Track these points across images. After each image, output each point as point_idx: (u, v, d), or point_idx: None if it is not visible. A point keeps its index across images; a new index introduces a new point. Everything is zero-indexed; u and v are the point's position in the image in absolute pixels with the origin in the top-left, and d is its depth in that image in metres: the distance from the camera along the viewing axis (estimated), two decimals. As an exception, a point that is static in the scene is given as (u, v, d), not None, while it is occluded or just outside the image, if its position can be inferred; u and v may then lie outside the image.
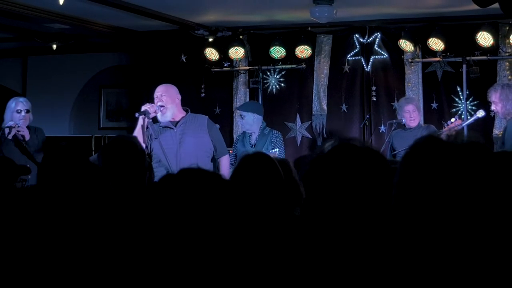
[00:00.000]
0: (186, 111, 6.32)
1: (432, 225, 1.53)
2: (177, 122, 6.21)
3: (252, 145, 7.58)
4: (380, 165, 1.84)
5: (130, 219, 2.65)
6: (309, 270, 1.77)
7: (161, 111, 6.15)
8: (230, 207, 2.11)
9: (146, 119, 6.00)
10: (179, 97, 6.34)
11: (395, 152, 7.48)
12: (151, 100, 6.34)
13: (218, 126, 6.85)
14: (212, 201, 2.09)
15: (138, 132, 6.00)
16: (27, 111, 6.79)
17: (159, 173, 5.62)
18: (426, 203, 1.53)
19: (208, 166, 6.10)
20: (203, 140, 6.17)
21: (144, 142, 5.92)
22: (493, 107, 7.00)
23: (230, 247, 2.02)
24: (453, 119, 7.43)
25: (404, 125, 7.59)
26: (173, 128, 6.17)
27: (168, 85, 6.43)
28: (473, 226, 1.50)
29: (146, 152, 5.99)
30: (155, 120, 6.27)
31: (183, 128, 6.16)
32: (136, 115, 6.08)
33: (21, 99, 6.92)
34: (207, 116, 6.47)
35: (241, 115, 7.73)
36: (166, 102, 6.15)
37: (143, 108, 6.07)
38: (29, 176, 5.39)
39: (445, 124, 7.55)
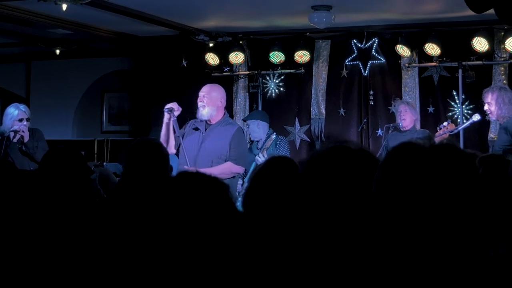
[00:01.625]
0: (224, 113, 6.26)
1: (407, 222, 1.60)
2: (210, 125, 6.16)
3: (260, 148, 7.61)
4: (373, 166, 1.84)
5: (135, 219, 2.64)
6: (302, 269, 1.77)
7: (199, 108, 6.13)
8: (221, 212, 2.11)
9: (172, 117, 6.05)
10: (223, 100, 6.25)
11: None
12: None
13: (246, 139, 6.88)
14: (202, 204, 2.09)
15: (164, 129, 6.16)
16: (28, 119, 6.76)
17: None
18: (401, 199, 1.60)
19: None
20: (222, 149, 6.04)
21: (172, 139, 6.10)
22: (486, 108, 6.97)
23: (225, 248, 2.02)
24: (445, 123, 7.43)
25: (400, 128, 7.60)
26: (202, 132, 6.13)
27: (213, 86, 6.38)
28: (442, 220, 1.55)
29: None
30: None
31: (209, 133, 6.12)
32: (165, 110, 6.12)
33: (22, 107, 6.80)
34: (237, 126, 6.33)
35: (246, 124, 7.74)
36: (207, 103, 6.11)
37: (169, 105, 6.12)
38: None
39: (438, 127, 7.55)
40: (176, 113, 6.09)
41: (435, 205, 1.54)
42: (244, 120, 8.09)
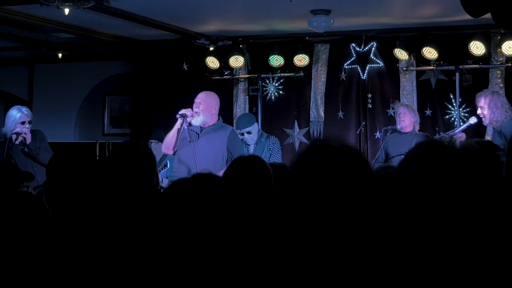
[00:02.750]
0: (218, 118, 6.39)
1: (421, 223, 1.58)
2: (203, 130, 6.27)
3: (251, 154, 7.56)
4: (356, 161, 1.84)
5: (139, 220, 2.64)
6: (300, 268, 1.77)
7: (193, 116, 6.23)
8: (228, 209, 2.12)
9: (185, 123, 6.13)
10: (217, 107, 6.40)
11: (389, 158, 7.47)
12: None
13: (240, 138, 6.89)
14: (214, 203, 2.11)
15: (173, 132, 6.24)
16: (30, 122, 6.76)
17: (180, 173, 5.82)
18: (420, 199, 1.58)
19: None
20: (219, 150, 6.18)
21: (176, 142, 6.19)
22: (479, 111, 6.98)
23: (231, 247, 2.02)
24: (459, 134, 7.37)
25: (399, 131, 7.59)
26: (197, 134, 6.24)
27: (209, 94, 6.51)
28: (458, 224, 1.53)
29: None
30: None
31: (205, 136, 6.23)
32: (177, 116, 6.20)
33: (24, 110, 6.78)
34: (232, 128, 6.53)
35: (247, 132, 7.56)
36: (202, 110, 6.24)
37: (182, 111, 6.20)
38: (34, 182, 5.38)
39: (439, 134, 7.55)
40: (189, 119, 6.18)
41: (453, 206, 1.52)
42: (240, 130, 7.91)
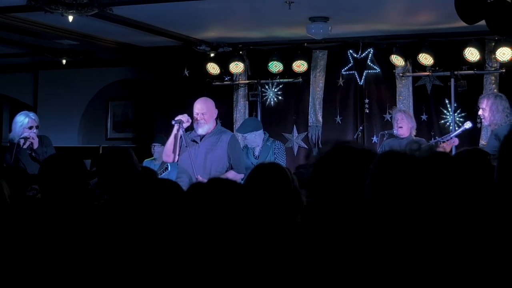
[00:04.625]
0: (216, 123, 6.36)
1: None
2: (204, 136, 6.23)
3: (256, 157, 7.56)
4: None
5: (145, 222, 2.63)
6: (311, 272, 1.77)
7: (199, 125, 6.18)
8: (242, 214, 2.12)
9: (181, 129, 6.09)
10: (216, 112, 6.37)
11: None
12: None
13: (240, 144, 6.88)
14: (226, 207, 2.11)
15: (171, 139, 6.19)
16: (37, 127, 6.76)
17: (181, 182, 5.72)
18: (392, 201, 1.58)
19: None
20: (220, 156, 6.15)
21: (178, 149, 6.16)
22: (480, 113, 6.97)
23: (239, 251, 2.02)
24: (452, 140, 7.38)
25: (396, 136, 7.58)
26: (197, 142, 6.20)
27: (207, 101, 6.40)
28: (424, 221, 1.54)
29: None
30: (187, 129, 6.34)
31: (206, 142, 6.19)
32: (173, 122, 6.16)
33: (32, 115, 6.80)
34: (232, 134, 6.46)
35: (244, 137, 7.63)
36: (206, 120, 6.20)
37: (178, 117, 6.15)
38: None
39: (435, 140, 7.55)
40: (185, 125, 6.15)
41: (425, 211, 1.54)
42: (239, 133, 7.89)
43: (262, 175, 3.08)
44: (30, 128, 6.69)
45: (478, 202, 1.53)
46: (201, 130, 6.20)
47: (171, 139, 6.22)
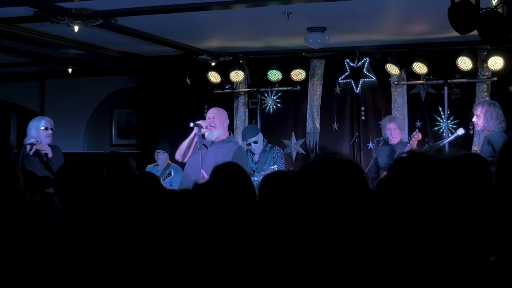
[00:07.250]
0: (229, 133, 6.40)
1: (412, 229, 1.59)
2: (213, 142, 6.28)
3: (256, 162, 7.54)
4: (359, 176, 1.82)
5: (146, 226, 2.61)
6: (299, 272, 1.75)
7: (210, 130, 6.25)
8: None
9: (198, 132, 6.15)
10: (228, 121, 6.44)
11: (380, 168, 7.53)
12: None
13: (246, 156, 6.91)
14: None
15: (188, 140, 6.28)
16: (52, 129, 6.72)
17: (188, 181, 5.73)
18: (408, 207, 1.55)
19: None
20: (222, 161, 6.14)
21: (190, 149, 6.25)
22: (474, 119, 6.96)
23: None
24: (414, 133, 7.47)
25: (389, 142, 7.58)
26: (207, 147, 6.25)
27: (220, 110, 6.50)
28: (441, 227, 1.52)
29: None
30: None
31: (213, 149, 6.22)
32: (191, 125, 6.19)
33: (47, 118, 6.84)
34: (239, 145, 6.50)
35: (254, 142, 7.55)
36: (216, 125, 6.25)
37: (199, 121, 6.22)
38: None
39: (409, 136, 7.61)
40: (203, 130, 6.20)
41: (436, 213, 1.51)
42: (247, 140, 7.83)
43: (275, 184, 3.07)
44: (46, 129, 6.63)
45: (478, 206, 1.51)
46: (210, 136, 6.26)
47: (188, 140, 6.30)
